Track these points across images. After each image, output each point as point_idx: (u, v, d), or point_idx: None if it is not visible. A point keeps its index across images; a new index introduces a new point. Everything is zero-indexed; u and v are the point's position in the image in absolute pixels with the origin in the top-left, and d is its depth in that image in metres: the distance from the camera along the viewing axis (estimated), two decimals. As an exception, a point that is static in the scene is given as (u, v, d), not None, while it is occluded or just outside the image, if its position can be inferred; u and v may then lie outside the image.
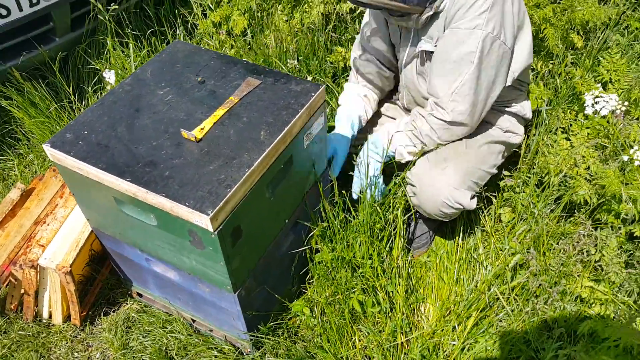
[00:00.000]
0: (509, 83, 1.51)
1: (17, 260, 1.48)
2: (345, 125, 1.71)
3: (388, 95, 1.92)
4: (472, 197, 1.54)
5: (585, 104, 1.58)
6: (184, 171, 1.16)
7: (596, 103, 1.59)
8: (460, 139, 1.59)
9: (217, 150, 1.21)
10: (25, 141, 2.24)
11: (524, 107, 1.70)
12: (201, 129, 1.25)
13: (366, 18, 1.72)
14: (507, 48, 1.43)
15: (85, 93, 2.27)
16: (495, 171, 1.66)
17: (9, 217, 1.61)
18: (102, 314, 1.70)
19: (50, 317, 1.65)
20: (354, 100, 1.78)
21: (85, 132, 1.27)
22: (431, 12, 1.43)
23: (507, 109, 1.68)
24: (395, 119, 1.85)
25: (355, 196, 1.65)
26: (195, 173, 1.16)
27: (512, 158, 1.90)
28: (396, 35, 1.65)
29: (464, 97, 1.44)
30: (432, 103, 1.52)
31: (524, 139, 1.73)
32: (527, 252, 1.48)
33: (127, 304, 1.72)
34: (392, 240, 1.66)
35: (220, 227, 1.12)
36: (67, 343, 1.64)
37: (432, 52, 1.51)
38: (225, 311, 1.43)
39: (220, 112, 1.29)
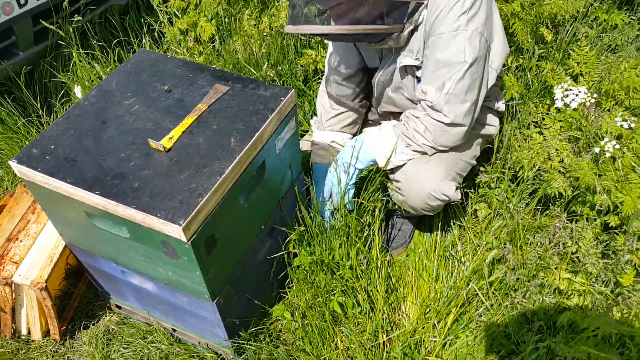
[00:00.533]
0: (493, 80, 1.51)
1: (-9, 278, 1.46)
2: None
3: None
4: (456, 189, 1.55)
5: (555, 98, 1.59)
6: (154, 182, 1.15)
7: (566, 96, 1.60)
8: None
9: (187, 159, 1.20)
10: (-6, 157, 2.21)
11: (498, 101, 1.72)
12: (170, 138, 1.24)
13: (330, 48, 1.73)
14: (489, 45, 1.44)
15: (53, 107, 2.25)
16: (474, 162, 1.67)
17: (-19, 234, 1.59)
18: (81, 327, 1.69)
19: (29, 333, 1.64)
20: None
21: (52, 147, 1.25)
22: (411, 27, 1.42)
23: (483, 104, 1.67)
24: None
25: (321, 199, 1.63)
26: (165, 183, 1.14)
27: (486, 154, 1.91)
28: (374, 58, 1.64)
29: (459, 97, 1.41)
30: (425, 106, 1.47)
31: (497, 133, 1.74)
32: (504, 247, 1.50)
33: (106, 316, 1.71)
34: (370, 241, 1.67)
35: (194, 237, 1.11)
36: (47, 358, 1.62)
37: (413, 66, 1.51)
38: (205, 320, 1.42)
39: (188, 120, 1.28)
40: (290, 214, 1.60)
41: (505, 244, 1.56)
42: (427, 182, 1.51)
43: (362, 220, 1.66)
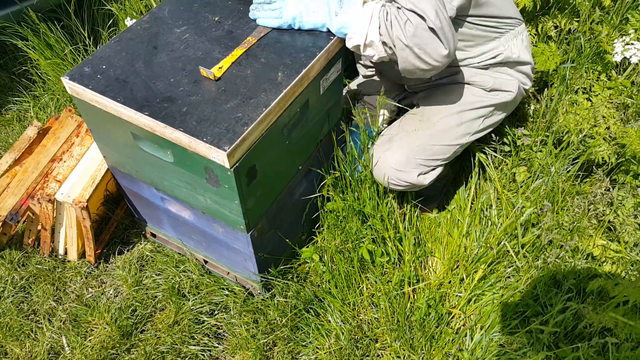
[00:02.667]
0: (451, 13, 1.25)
1: (35, 194, 1.50)
2: None
3: None
4: (420, 174, 1.49)
5: (614, 52, 1.52)
6: (202, 108, 1.16)
7: (627, 50, 1.53)
8: (415, 112, 1.47)
9: (234, 89, 1.21)
10: (41, 83, 2.25)
11: (510, 49, 1.48)
12: (219, 67, 1.24)
13: None
14: None
15: (100, 36, 2.27)
16: (470, 139, 1.55)
17: (26, 154, 1.63)
18: (116, 252, 1.74)
19: (65, 253, 1.69)
20: None
21: (104, 67, 1.27)
22: None
23: (489, 62, 1.49)
24: None
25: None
26: (212, 110, 1.16)
27: (529, 116, 1.87)
28: None
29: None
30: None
31: (530, 89, 1.63)
32: (543, 204, 1.47)
33: (141, 243, 1.76)
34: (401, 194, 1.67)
35: (237, 165, 1.13)
36: (81, 279, 1.68)
37: None
38: (237, 252, 1.45)
39: (238, 52, 1.28)
40: (327, 158, 1.60)
41: (543, 202, 1.53)
42: (385, 169, 1.49)
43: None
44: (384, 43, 1.25)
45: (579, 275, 1.53)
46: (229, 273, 1.61)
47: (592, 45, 1.92)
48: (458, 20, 1.37)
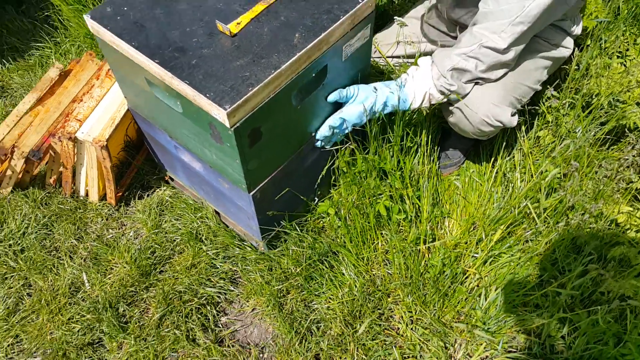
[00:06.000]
0: (564, 11, 1.39)
1: (56, 132, 1.52)
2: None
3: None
4: (512, 114, 1.47)
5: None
6: (211, 63, 1.13)
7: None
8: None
9: (247, 46, 1.16)
10: (62, 29, 2.25)
11: (575, 23, 1.57)
12: (237, 23, 1.19)
13: None
14: None
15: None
16: (539, 87, 1.57)
17: (48, 94, 1.64)
18: (136, 197, 1.77)
19: (86, 195, 1.72)
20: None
21: (125, 9, 1.25)
22: None
23: (556, 24, 1.55)
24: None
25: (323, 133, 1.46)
26: (221, 66, 1.12)
27: (557, 79, 1.80)
28: None
29: (522, 26, 1.31)
30: (478, 32, 1.35)
31: (572, 56, 1.62)
32: (570, 164, 1.43)
33: (160, 189, 1.78)
34: (421, 153, 1.63)
35: (238, 125, 1.09)
36: (102, 220, 1.72)
37: None
38: (241, 209, 1.44)
39: (258, 7, 1.23)
40: None
41: (570, 162, 1.49)
42: (481, 106, 1.43)
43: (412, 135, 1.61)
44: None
45: (601, 241, 1.50)
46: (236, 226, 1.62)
47: (631, 7, 1.82)
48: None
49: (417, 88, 1.44)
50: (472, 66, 1.37)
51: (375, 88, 1.42)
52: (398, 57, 1.85)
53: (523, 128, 1.75)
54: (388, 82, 1.46)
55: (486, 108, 1.43)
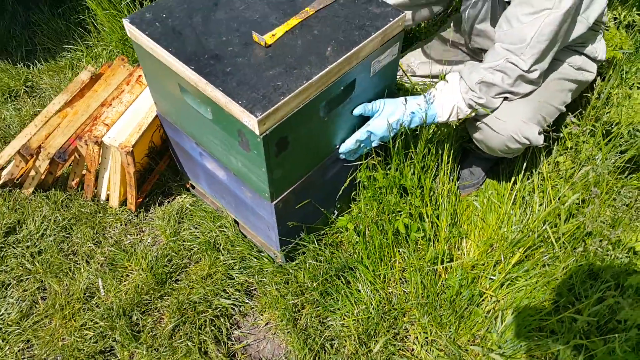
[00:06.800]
0: (582, 30, 1.43)
1: (83, 136, 1.54)
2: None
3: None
4: (539, 133, 1.48)
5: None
6: (245, 71, 1.16)
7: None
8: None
9: (280, 57, 1.19)
10: (96, 33, 2.30)
11: (597, 49, 1.60)
12: (272, 35, 1.23)
13: None
14: None
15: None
16: (563, 109, 1.59)
17: (78, 97, 1.66)
18: (156, 203, 1.78)
19: (107, 199, 1.73)
20: None
21: (164, 15, 1.29)
22: None
23: (579, 49, 1.59)
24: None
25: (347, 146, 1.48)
26: (254, 75, 1.15)
27: (578, 107, 1.82)
28: None
29: (540, 45, 1.35)
30: (501, 49, 1.39)
31: (595, 81, 1.64)
32: (592, 190, 1.44)
33: (181, 197, 1.79)
34: (441, 173, 1.65)
35: (267, 133, 1.12)
36: (121, 225, 1.72)
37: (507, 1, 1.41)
38: (262, 219, 1.46)
39: (293, 21, 1.27)
40: None
41: (591, 188, 1.50)
42: (510, 123, 1.45)
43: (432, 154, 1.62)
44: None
45: (619, 269, 1.49)
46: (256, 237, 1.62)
47: (653, 39, 1.86)
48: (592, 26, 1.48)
49: (445, 102, 1.46)
50: (498, 79, 1.40)
51: (405, 100, 1.45)
52: (423, 76, 1.88)
53: (543, 153, 1.76)
54: (417, 96, 1.49)
55: (515, 125, 1.45)
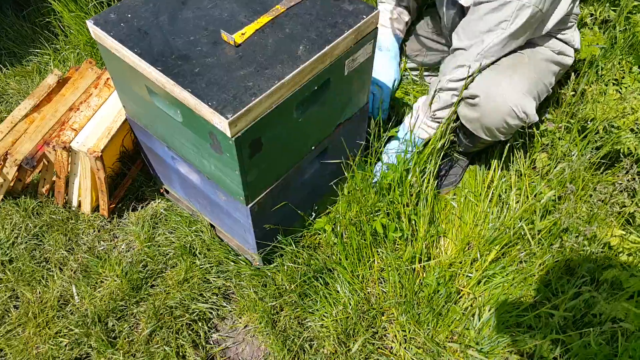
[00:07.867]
0: (538, 34, 1.53)
1: (51, 141, 1.50)
2: (391, 59, 1.69)
3: None
4: (535, 107, 1.47)
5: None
6: (214, 71, 1.12)
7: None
8: (522, 52, 1.55)
9: (251, 57, 1.16)
10: (63, 36, 2.24)
11: (574, 37, 1.63)
12: (242, 33, 1.20)
13: None
14: (542, 13, 1.42)
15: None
16: (551, 91, 1.62)
17: (45, 101, 1.62)
18: (130, 209, 1.75)
19: (79, 206, 1.70)
20: (390, 25, 1.84)
21: (129, 16, 1.24)
22: None
23: (556, 35, 1.61)
24: None
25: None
26: (224, 75, 1.12)
27: (554, 103, 1.83)
28: None
29: (490, 58, 1.49)
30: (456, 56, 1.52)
31: (570, 77, 1.65)
32: (567, 186, 1.45)
33: (155, 202, 1.76)
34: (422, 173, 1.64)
35: (239, 135, 1.09)
36: (94, 231, 1.69)
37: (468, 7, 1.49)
38: (238, 222, 1.43)
39: (264, 19, 1.24)
40: (348, 142, 1.54)
41: (566, 185, 1.50)
42: (510, 96, 1.43)
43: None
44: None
45: (594, 264, 1.51)
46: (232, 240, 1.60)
47: (628, 36, 1.86)
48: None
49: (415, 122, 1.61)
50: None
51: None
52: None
53: (520, 150, 1.77)
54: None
55: (516, 97, 1.43)
